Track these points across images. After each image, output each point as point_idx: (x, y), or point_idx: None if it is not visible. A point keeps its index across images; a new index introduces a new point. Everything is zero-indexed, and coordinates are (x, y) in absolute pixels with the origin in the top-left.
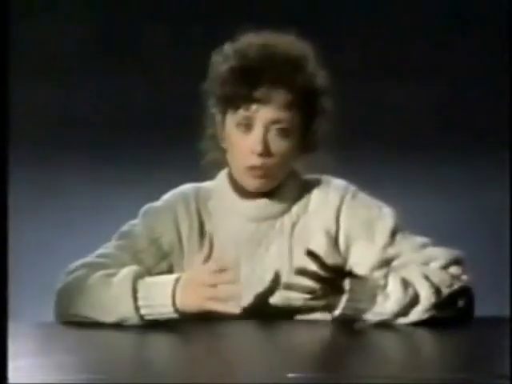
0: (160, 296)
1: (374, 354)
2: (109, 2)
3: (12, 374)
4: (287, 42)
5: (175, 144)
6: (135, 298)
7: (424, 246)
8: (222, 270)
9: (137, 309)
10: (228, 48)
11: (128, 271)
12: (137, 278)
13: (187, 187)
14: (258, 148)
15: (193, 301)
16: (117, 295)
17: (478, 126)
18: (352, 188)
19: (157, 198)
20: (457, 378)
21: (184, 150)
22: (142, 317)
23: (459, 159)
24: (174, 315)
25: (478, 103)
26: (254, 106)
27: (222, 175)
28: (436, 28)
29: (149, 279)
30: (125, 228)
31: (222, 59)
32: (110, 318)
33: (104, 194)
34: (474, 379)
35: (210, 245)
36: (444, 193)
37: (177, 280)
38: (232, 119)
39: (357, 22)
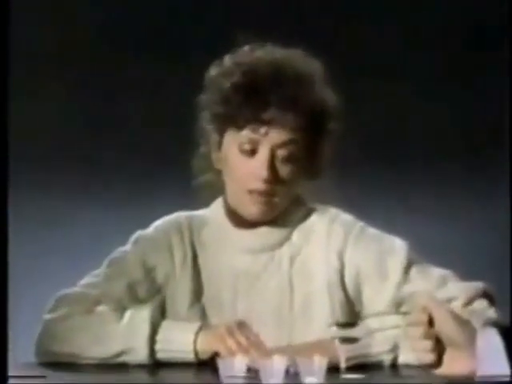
0: (180, 338)
1: None
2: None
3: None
4: (296, 58)
5: (174, 169)
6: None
7: (444, 280)
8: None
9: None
10: (229, 61)
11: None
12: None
13: (180, 215)
14: (264, 173)
15: (212, 345)
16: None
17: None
18: (359, 223)
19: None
20: (457, 377)
21: (179, 174)
22: (153, 352)
23: (461, 177)
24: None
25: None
26: (262, 129)
27: (217, 203)
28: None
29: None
30: (116, 255)
31: (223, 74)
32: (106, 351)
33: (102, 217)
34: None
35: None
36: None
37: (200, 328)
38: (233, 140)
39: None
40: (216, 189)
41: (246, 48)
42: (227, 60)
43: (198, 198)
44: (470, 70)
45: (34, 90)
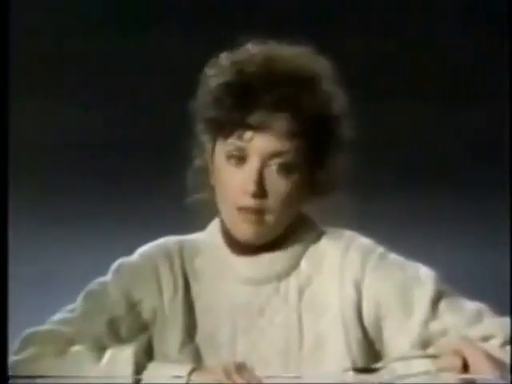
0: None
1: None
2: None
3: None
4: (297, 55)
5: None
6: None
7: (478, 316)
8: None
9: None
10: (224, 59)
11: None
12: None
13: (169, 240)
14: (251, 187)
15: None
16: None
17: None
18: (379, 248)
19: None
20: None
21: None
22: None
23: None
24: None
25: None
26: (247, 134)
27: (214, 226)
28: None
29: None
30: (93, 287)
31: (216, 73)
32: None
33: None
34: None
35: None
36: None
37: (192, 369)
38: (221, 149)
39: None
40: (211, 208)
41: (247, 45)
42: (222, 58)
43: (191, 218)
44: (470, 70)
45: (33, 90)
